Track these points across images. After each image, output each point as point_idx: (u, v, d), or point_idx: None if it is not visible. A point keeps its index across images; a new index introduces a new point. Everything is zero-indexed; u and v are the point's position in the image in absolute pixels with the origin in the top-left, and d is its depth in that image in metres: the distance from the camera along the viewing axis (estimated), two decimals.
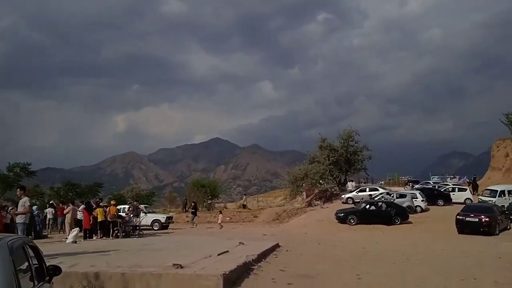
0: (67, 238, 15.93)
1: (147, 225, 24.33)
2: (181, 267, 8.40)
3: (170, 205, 52.62)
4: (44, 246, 14.31)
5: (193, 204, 31.50)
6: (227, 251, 11.69)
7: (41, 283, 4.44)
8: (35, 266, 5.13)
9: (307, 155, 42.87)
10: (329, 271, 10.29)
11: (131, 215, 18.79)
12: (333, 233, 21.44)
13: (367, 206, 24.80)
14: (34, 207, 19.95)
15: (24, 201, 10.15)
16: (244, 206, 42.39)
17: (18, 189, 10.34)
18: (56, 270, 4.75)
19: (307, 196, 41.03)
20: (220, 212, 30.95)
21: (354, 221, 23.93)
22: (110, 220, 17.33)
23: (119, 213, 18.42)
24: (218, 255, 10.78)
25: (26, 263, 4.09)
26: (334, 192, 37.65)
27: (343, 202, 32.25)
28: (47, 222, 21.94)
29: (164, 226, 25.02)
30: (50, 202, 21.48)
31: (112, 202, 18.65)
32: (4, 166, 25.10)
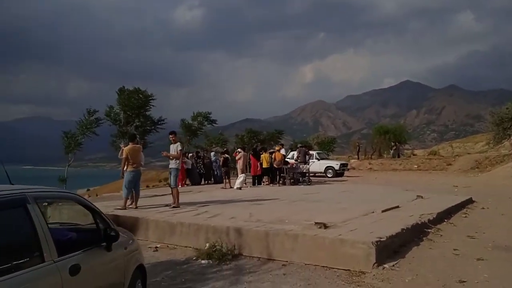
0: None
1: (320, 172, 23.29)
2: (325, 226, 6.67)
3: (354, 152, 50.83)
4: (207, 192, 14.56)
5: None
6: (397, 207, 9.43)
7: (90, 248, 3.31)
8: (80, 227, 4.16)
9: None
10: None
11: (299, 161, 17.78)
12: None
13: None
14: (212, 153, 20.80)
15: (176, 146, 9.81)
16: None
17: (170, 134, 10.03)
18: (114, 237, 3.55)
19: None
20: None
21: None
22: (276, 166, 16.64)
23: (286, 159, 17.55)
24: (383, 211, 8.65)
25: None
26: None
27: None
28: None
29: (338, 174, 23.55)
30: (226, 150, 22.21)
31: (277, 148, 17.89)
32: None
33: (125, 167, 9.43)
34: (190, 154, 20.69)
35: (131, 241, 4.38)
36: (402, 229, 6.75)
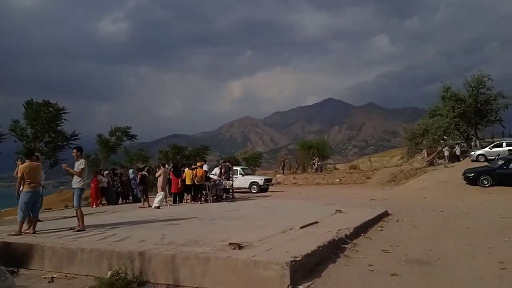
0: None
1: (245, 188, 23.05)
2: (240, 247, 6.27)
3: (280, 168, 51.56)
4: (122, 212, 13.64)
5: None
6: (316, 222, 9.31)
7: None
8: None
9: (427, 108, 37.65)
10: (454, 253, 7.23)
11: (223, 178, 17.37)
12: (460, 197, 17.61)
13: (506, 164, 20.07)
14: (131, 171, 19.74)
15: (79, 163, 8.89)
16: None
17: (74, 150, 9.09)
18: None
19: (428, 155, 36.31)
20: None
21: (488, 182, 19.62)
22: (197, 183, 16.09)
23: (208, 175, 17.04)
24: (301, 228, 8.46)
25: None
26: (462, 149, 32.45)
27: (472, 160, 27.31)
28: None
29: (263, 189, 23.48)
30: (145, 167, 21.31)
31: (199, 163, 17.37)
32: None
33: (21, 187, 8.39)
34: (106, 172, 19.46)
35: (2, 278, 3.70)
36: (319, 246, 6.55)
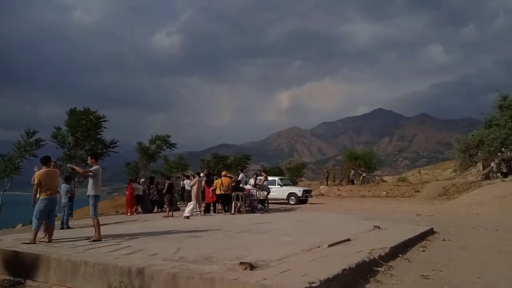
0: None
1: (283, 199, 22.23)
2: (251, 267, 5.54)
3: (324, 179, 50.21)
4: (149, 222, 13.30)
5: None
6: (348, 240, 8.40)
7: None
8: None
9: (483, 119, 35.23)
10: (509, 281, 6.12)
11: (256, 188, 16.70)
12: None
13: None
14: (142, 180, 19.63)
15: (94, 170, 8.58)
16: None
17: (89, 157, 8.84)
18: None
19: (483, 168, 33.80)
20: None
21: None
22: (224, 192, 15.51)
23: (241, 185, 16.40)
24: (329, 246, 7.59)
25: None
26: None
27: None
28: (185, 193, 21.58)
29: (302, 201, 22.54)
30: (187, 174, 20.99)
31: (223, 173, 16.82)
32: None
33: (38, 194, 8.15)
34: (142, 180, 19.38)
35: None
36: (344, 270, 5.68)
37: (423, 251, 8.48)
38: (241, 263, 5.69)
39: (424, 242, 9.38)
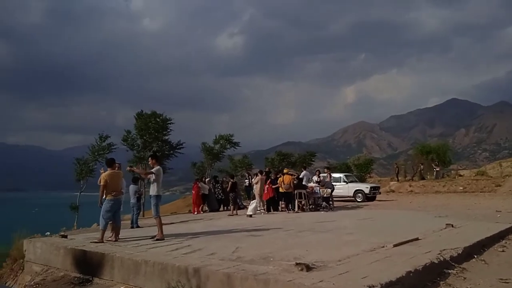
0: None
1: (349, 196, 21.57)
2: (308, 268, 5.33)
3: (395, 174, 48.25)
4: (212, 221, 13.43)
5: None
6: (416, 239, 7.86)
7: None
8: None
9: None
10: None
11: (319, 185, 16.32)
12: None
13: None
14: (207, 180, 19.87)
15: (155, 170, 8.81)
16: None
17: (149, 158, 9.10)
18: None
19: None
20: None
21: None
22: (285, 190, 15.30)
23: (304, 183, 16.11)
24: (395, 245, 7.14)
25: None
26: None
27: None
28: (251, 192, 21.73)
29: (369, 198, 21.71)
30: (246, 173, 21.15)
31: (285, 170, 16.54)
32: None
33: (104, 195, 8.52)
34: (207, 179, 19.75)
35: None
36: (409, 272, 5.28)
37: (503, 251, 7.73)
38: (297, 264, 5.49)
39: (504, 241, 8.56)
